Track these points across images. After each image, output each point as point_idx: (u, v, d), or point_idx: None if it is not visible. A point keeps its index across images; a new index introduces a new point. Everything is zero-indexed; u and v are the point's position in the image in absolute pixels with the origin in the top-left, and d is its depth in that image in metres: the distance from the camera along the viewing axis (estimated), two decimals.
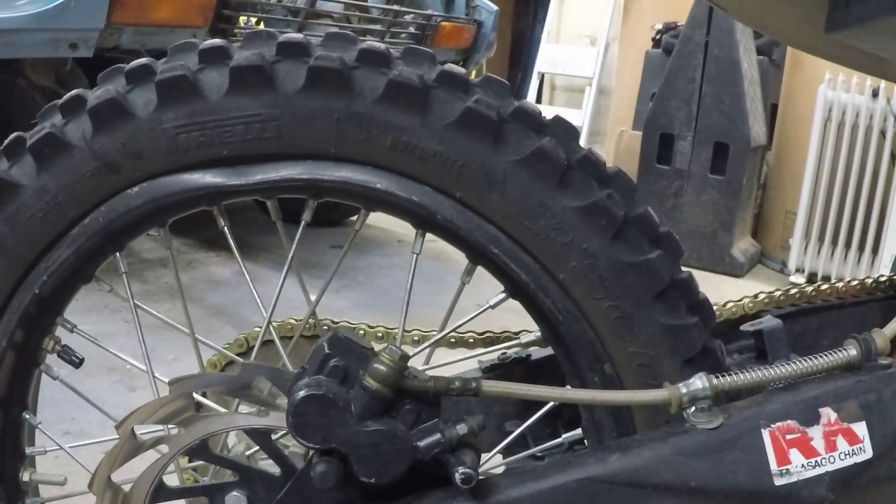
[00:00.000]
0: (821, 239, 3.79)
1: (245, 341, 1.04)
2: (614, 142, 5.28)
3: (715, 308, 1.12)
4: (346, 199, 0.85)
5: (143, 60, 0.85)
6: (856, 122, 3.63)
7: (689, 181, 4.09)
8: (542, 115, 0.84)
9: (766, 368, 0.82)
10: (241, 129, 0.82)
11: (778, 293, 1.13)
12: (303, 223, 0.87)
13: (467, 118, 0.80)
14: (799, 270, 3.84)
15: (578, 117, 6.27)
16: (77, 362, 0.93)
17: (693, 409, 0.80)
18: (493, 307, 0.90)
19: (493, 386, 0.76)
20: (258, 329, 1.04)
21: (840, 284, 1.17)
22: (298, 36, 0.83)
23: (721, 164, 4.02)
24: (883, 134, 3.58)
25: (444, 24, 3.10)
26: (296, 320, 1.04)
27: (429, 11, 3.12)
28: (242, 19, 2.56)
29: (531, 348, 1.04)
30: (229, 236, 0.89)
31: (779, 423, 0.81)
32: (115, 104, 0.83)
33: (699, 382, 0.80)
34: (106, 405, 1.00)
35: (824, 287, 1.16)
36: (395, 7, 2.86)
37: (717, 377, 0.80)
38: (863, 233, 3.69)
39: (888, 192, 3.60)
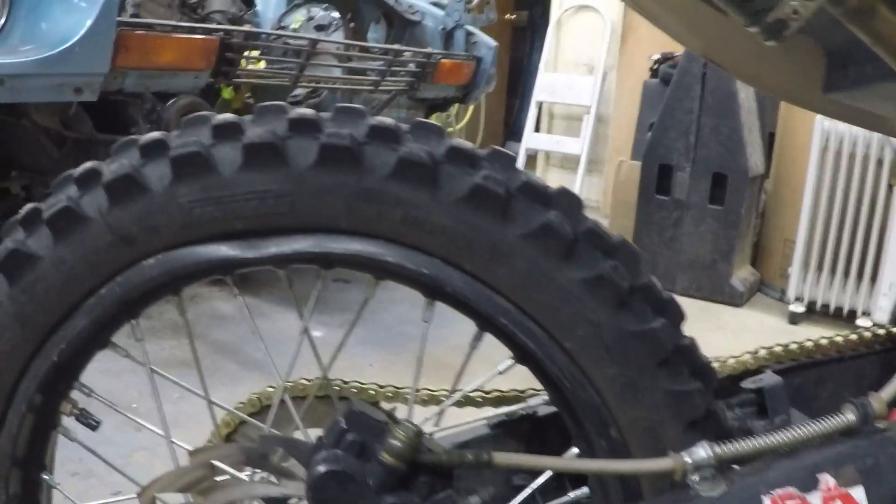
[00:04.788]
0: (820, 267, 3.81)
1: (258, 401, 1.05)
2: (613, 171, 5.32)
3: (716, 364, 1.14)
4: (356, 269, 0.88)
5: (156, 135, 0.87)
6: (853, 150, 3.66)
7: (688, 211, 4.12)
8: (549, 188, 0.86)
9: (767, 436, 0.84)
10: (254, 204, 0.84)
11: (778, 348, 1.15)
12: (314, 294, 0.90)
13: (476, 194, 0.82)
14: (798, 299, 3.86)
15: (577, 146, 6.31)
16: (94, 425, 0.95)
17: (697, 476, 0.82)
18: (501, 373, 0.92)
19: (505, 458, 0.78)
20: (271, 389, 1.05)
21: (839, 339, 1.19)
22: (309, 112, 0.86)
23: (720, 194, 4.05)
24: (880, 162, 3.61)
25: (443, 61, 3.14)
26: (307, 381, 1.06)
27: (428, 49, 3.15)
28: (244, 60, 2.59)
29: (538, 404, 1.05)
30: (245, 305, 0.91)
31: (779, 490, 0.83)
32: (130, 179, 0.85)
33: (702, 451, 0.82)
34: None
35: (823, 342, 1.17)
36: (396, 46, 2.89)
37: (719, 446, 0.82)
38: (861, 261, 3.71)
39: (886, 220, 3.63)
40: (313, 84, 2.90)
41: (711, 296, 4.09)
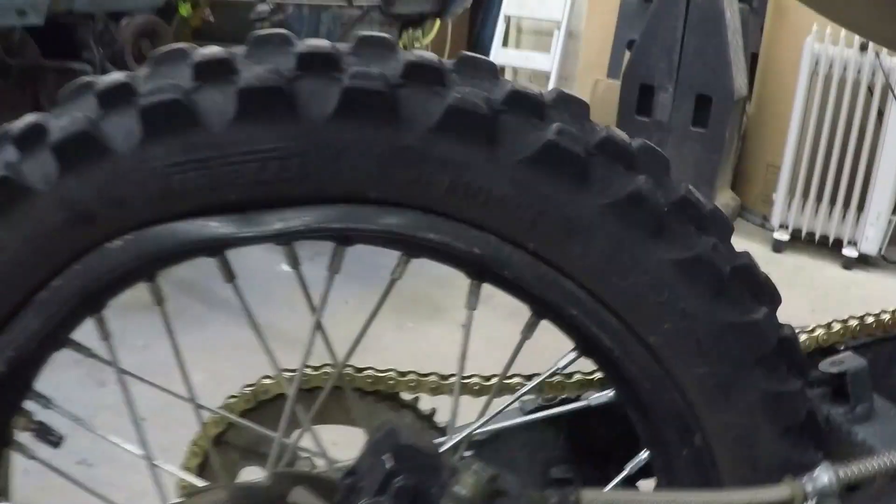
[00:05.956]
0: (805, 195, 3.68)
1: (252, 396, 0.87)
2: (587, 90, 5.10)
3: None
4: (386, 246, 0.69)
5: (119, 77, 0.66)
6: (843, 76, 3.50)
7: (669, 134, 3.94)
8: (631, 143, 0.67)
9: (890, 455, 0.69)
10: (252, 168, 0.64)
11: (854, 323, 0.99)
12: (331, 275, 0.71)
13: (547, 154, 0.63)
14: (783, 226, 3.73)
15: (547, 62, 6.07)
16: (56, 441, 0.76)
17: None
18: (562, 368, 0.75)
19: (593, 496, 0.61)
20: (267, 381, 0.87)
21: None
22: (324, 44, 0.65)
23: (703, 117, 3.87)
24: (870, 90, 3.46)
25: None
26: (314, 369, 0.87)
27: None
28: None
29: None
30: (238, 292, 0.72)
31: None
32: (85, 138, 0.64)
33: (825, 477, 0.66)
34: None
35: None
36: None
37: (844, 468, 0.67)
38: (848, 189, 3.58)
39: (875, 148, 3.49)
40: (279, 0, 2.63)
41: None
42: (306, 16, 2.89)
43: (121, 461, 0.86)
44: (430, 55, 0.64)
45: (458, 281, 0.72)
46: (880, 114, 3.48)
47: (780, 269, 3.55)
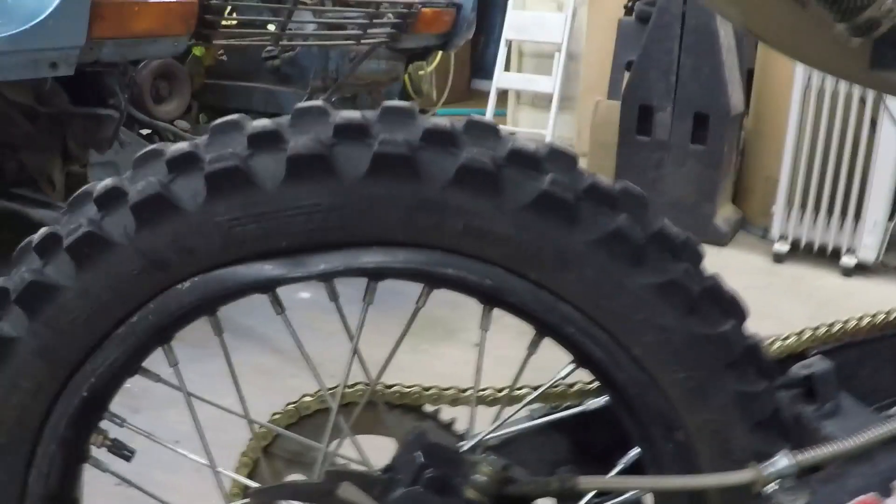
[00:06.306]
0: (804, 206, 3.81)
1: (296, 411, 1.00)
2: (586, 109, 5.24)
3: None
4: (411, 280, 0.82)
5: (185, 147, 0.80)
6: (836, 88, 3.63)
7: (669, 152, 4.08)
8: (613, 187, 0.81)
9: (848, 439, 0.82)
10: (300, 220, 0.78)
11: (821, 331, 1.12)
12: (365, 305, 0.84)
13: (543, 200, 0.77)
14: (782, 238, 3.86)
15: (549, 84, 6.22)
16: (128, 456, 0.90)
17: (777, 487, 0.79)
18: (563, 378, 0.88)
19: (589, 481, 0.74)
20: (308, 398, 1.00)
21: (880, 318, 1.16)
22: (355, 115, 0.79)
23: (701, 134, 4.01)
24: (863, 100, 3.59)
25: (424, 10, 3.03)
26: (348, 388, 1.00)
27: None
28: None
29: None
30: (288, 323, 0.86)
31: (861, 497, 0.81)
32: (159, 199, 0.77)
33: (784, 460, 0.79)
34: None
35: (865, 322, 1.15)
36: None
37: (801, 453, 0.79)
38: (845, 199, 3.71)
39: (869, 157, 3.62)
40: (290, 42, 2.78)
41: (695, 236, 4.07)
42: (315, 53, 3.05)
43: (156, 482, 0.97)
44: (445, 122, 0.78)
45: (469, 304, 0.85)
46: (873, 123, 3.61)
47: (781, 279, 3.68)
